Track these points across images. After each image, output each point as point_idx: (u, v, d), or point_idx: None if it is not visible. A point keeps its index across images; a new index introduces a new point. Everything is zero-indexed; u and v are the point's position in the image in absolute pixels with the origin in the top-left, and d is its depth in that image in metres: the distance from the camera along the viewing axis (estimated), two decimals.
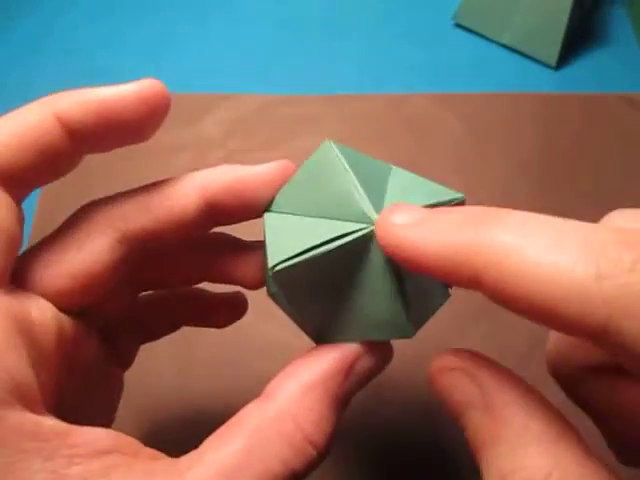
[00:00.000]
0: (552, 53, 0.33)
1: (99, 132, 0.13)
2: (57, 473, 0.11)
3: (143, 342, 0.19)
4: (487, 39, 0.35)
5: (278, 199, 0.15)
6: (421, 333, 0.14)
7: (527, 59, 0.34)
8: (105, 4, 0.37)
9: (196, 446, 0.12)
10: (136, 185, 0.15)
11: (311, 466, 0.13)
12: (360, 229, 0.13)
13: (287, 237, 0.13)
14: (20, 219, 0.13)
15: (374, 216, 0.13)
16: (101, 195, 0.15)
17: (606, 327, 0.09)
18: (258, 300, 0.18)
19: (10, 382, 0.11)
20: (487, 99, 0.32)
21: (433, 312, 0.15)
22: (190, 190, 0.14)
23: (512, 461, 0.11)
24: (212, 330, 0.19)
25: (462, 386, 0.12)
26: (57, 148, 0.13)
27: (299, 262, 0.13)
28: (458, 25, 0.36)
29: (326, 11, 0.36)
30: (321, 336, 0.14)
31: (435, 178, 0.15)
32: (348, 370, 0.14)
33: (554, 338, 0.14)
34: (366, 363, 0.14)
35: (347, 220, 0.13)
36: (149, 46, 0.35)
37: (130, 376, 0.18)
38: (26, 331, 0.12)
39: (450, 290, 0.15)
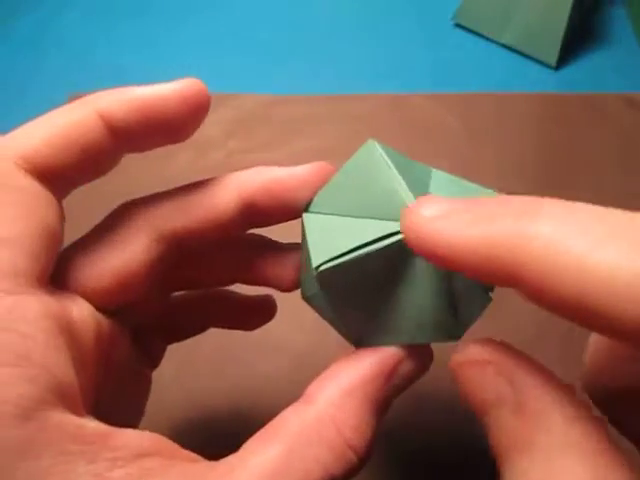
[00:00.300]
0: (552, 53, 0.33)
1: (141, 131, 0.14)
2: (101, 476, 0.11)
3: (171, 342, 0.19)
4: (487, 39, 0.35)
5: (317, 200, 0.14)
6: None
7: (527, 59, 0.34)
8: (105, 4, 0.37)
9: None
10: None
11: (351, 472, 0.12)
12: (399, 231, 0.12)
13: (330, 237, 0.13)
14: (62, 218, 0.13)
15: None
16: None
17: None
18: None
19: (53, 382, 0.11)
20: (487, 99, 0.32)
21: (479, 313, 0.14)
22: (228, 191, 0.14)
23: (546, 472, 0.10)
24: (216, 330, 0.20)
25: (490, 381, 0.11)
26: (100, 146, 0.13)
27: (344, 262, 0.12)
28: (458, 25, 0.36)
29: (326, 11, 0.36)
30: (361, 339, 0.14)
31: None
32: (388, 374, 0.13)
33: (594, 350, 0.13)
34: (407, 367, 0.14)
35: (393, 219, 0.13)
36: (149, 46, 0.35)
37: None
38: (67, 331, 0.12)
39: (491, 293, 0.14)
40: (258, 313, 0.19)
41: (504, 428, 0.11)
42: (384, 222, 0.13)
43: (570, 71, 0.34)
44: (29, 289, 0.12)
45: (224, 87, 0.32)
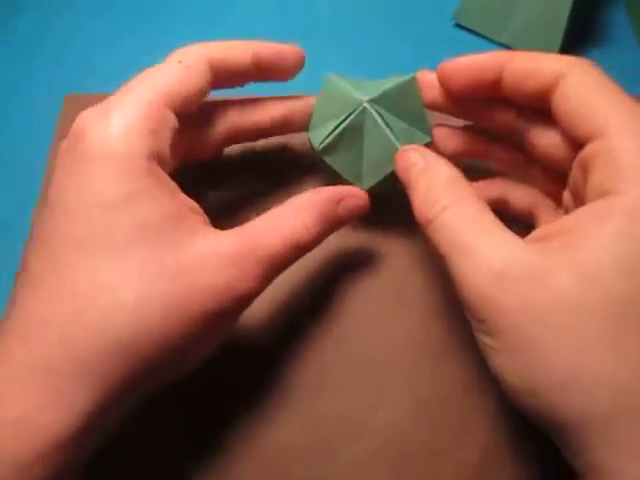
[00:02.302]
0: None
1: (276, 63, 0.23)
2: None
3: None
4: (487, 39, 0.35)
5: (312, 122, 0.25)
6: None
7: None
8: (104, 4, 0.37)
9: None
10: None
11: (305, 245, 0.20)
12: (356, 109, 0.23)
13: (320, 130, 0.24)
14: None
15: (364, 98, 0.22)
16: None
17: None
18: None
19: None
20: None
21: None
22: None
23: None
24: None
25: (410, 155, 0.21)
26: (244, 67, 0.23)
27: (330, 137, 0.23)
28: (458, 25, 0.36)
29: (325, 12, 0.36)
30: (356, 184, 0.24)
31: None
32: (338, 200, 0.21)
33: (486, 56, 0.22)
34: (350, 200, 0.22)
35: (352, 108, 0.23)
36: (149, 46, 0.35)
37: None
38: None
39: (431, 139, 0.24)
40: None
41: (418, 182, 0.20)
42: (347, 110, 0.23)
43: None
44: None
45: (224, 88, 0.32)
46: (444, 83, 0.22)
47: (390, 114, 0.23)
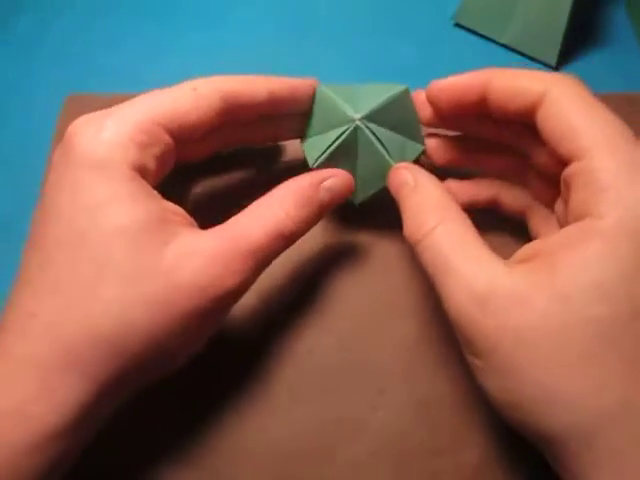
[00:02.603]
0: (552, 53, 0.33)
1: (289, 99, 0.23)
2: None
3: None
4: (487, 39, 0.35)
5: (306, 132, 0.25)
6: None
7: (527, 59, 0.34)
8: (105, 4, 0.37)
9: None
10: None
11: (290, 234, 0.20)
12: (348, 127, 0.23)
13: (316, 146, 0.24)
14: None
15: (356, 116, 0.23)
16: None
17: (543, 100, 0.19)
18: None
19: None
20: None
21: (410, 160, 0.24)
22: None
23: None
24: None
25: (402, 173, 0.22)
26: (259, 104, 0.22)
27: (323, 157, 0.23)
28: (458, 25, 0.36)
29: (325, 12, 0.36)
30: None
31: None
32: (317, 184, 0.22)
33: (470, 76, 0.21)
34: (331, 182, 0.22)
35: (344, 124, 0.23)
36: (149, 47, 0.35)
37: None
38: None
39: (424, 147, 0.25)
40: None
41: (408, 202, 0.21)
42: (339, 127, 0.23)
43: (570, 71, 0.34)
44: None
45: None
46: (433, 102, 0.23)
47: (383, 128, 0.23)
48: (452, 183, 0.25)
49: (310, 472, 0.23)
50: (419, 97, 0.24)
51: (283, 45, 0.35)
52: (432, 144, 0.25)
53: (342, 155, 0.23)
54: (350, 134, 0.23)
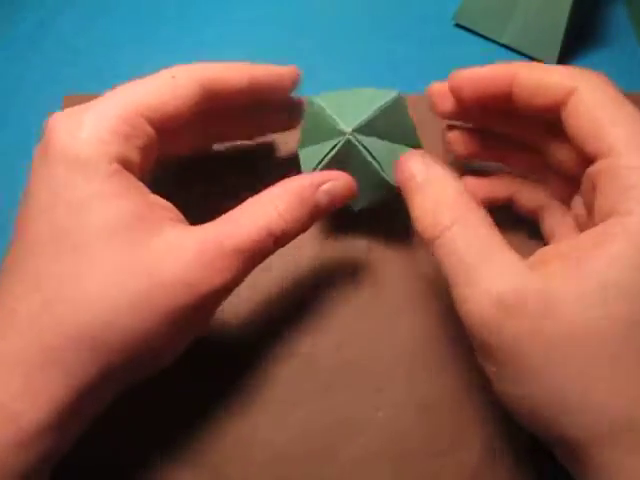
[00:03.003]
0: (552, 53, 0.33)
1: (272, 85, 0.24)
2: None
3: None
4: (487, 39, 0.35)
5: (300, 141, 0.25)
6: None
7: (527, 59, 0.34)
8: (105, 5, 0.37)
9: None
10: None
11: (280, 233, 0.19)
12: (340, 140, 0.23)
13: (312, 156, 0.24)
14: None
15: (347, 130, 0.22)
16: None
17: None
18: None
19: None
20: None
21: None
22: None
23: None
24: None
25: (413, 162, 0.20)
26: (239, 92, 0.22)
27: (320, 167, 0.23)
28: (458, 25, 0.36)
29: (325, 12, 0.36)
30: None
31: None
32: (316, 186, 0.21)
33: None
34: (330, 185, 0.21)
35: (335, 136, 0.23)
36: (149, 47, 0.35)
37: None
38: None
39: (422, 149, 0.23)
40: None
41: (420, 196, 0.19)
42: (331, 140, 0.23)
43: None
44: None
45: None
46: (455, 92, 0.22)
47: (375, 138, 0.23)
48: (469, 180, 0.25)
49: (310, 472, 0.23)
50: (439, 89, 0.23)
51: (283, 45, 0.35)
52: (452, 136, 0.25)
53: (337, 166, 0.23)
54: (342, 147, 0.23)
